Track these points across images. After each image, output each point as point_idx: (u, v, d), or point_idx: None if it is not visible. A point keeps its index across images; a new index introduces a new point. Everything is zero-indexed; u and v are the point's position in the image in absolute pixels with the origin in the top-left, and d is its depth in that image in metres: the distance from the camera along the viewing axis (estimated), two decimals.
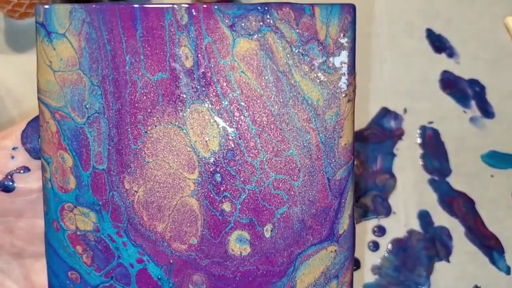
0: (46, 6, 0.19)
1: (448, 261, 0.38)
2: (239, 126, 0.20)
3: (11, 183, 0.20)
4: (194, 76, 0.20)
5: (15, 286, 0.21)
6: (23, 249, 0.22)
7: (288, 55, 0.20)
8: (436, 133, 0.43)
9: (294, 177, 0.21)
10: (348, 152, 0.21)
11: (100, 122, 0.19)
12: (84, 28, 0.19)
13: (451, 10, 0.46)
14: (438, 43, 0.44)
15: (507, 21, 0.46)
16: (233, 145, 0.20)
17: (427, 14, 0.46)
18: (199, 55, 0.20)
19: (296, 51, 0.20)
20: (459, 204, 0.40)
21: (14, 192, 0.20)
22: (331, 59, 0.20)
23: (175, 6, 0.19)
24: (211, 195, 0.20)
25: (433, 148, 0.42)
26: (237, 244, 0.21)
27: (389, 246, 0.38)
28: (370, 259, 0.38)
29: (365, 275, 0.40)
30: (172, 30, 0.19)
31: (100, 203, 0.20)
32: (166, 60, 0.20)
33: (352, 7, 0.20)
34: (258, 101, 0.20)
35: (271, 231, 0.21)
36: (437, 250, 0.39)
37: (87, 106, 0.19)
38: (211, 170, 0.20)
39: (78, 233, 0.20)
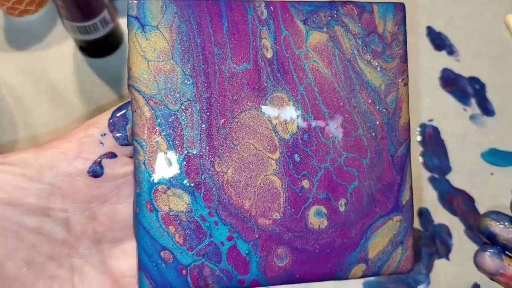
0: (140, 1, 0.21)
1: (448, 259, 0.38)
2: (314, 109, 0.22)
3: (99, 168, 0.21)
4: (274, 66, 0.22)
5: (94, 272, 0.22)
6: (104, 235, 0.22)
7: (353, 46, 0.23)
8: (436, 131, 0.43)
9: (363, 155, 0.23)
10: (406, 130, 0.23)
11: (192, 109, 0.21)
12: (175, 21, 0.21)
13: (452, 8, 0.47)
14: (438, 41, 0.45)
15: (508, 19, 0.46)
16: (309, 128, 0.22)
17: (427, 12, 0.47)
18: (278, 46, 0.22)
19: (360, 42, 0.23)
20: (459, 202, 0.40)
21: (101, 177, 0.21)
22: (389, 49, 0.23)
23: (256, 2, 0.22)
24: (292, 174, 0.22)
25: (433, 146, 0.42)
26: (315, 218, 0.22)
27: None
28: None
29: None
30: (254, 24, 0.22)
31: (193, 185, 0.21)
32: (249, 52, 0.22)
33: (403, 5, 0.23)
34: (329, 87, 0.22)
35: (345, 205, 0.23)
36: (436, 247, 0.39)
37: (179, 94, 0.21)
38: (291, 151, 0.22)
39: (171, 213, 0.21)
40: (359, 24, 0.23)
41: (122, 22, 0.45)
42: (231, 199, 0.22)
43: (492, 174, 0.41)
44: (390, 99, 0.23)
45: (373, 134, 0.23)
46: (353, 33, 0.23)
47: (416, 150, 0.42)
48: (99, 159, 0.21)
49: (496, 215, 0.23)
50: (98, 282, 0.22)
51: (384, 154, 0.23)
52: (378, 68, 0.23)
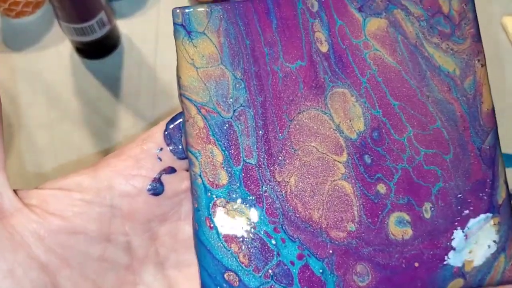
0: (185, 10, 0.20)
1: None
2: (382, 103, 0.20)
3: (159, 185, 0.19)
4: (331, 60, 0.20)
5: None
6: (166, 258, 0.21)
7: (418, 29, 0.20)
8: None
9: (445, 151, 0.20)
10: (491, 117, 0.20)
11: (246, 115, 0.19)
12: (222, 24, 0.20)
13: None
14: None
15: (504, 20, 0.45)
16: (378, 124, 0.20)
17: None
18: (333, 38, 0.20)
19: (425, 24, 0.20)
20: None
21: (162, 195, 0.20)
22: (458, 29, 0.20)
23: None
24: (364, 178, 0.19)
25: None
26: (397, 227, 0.19)
27: None
28: None
29: None
30: (305, 18, 0.20)
31: (254, 198, 0.19)
32: (302, 48, 0.20)
33: None
34: (396, 76, 0.20)
35: (431, 210, 0.20)
36: None
37: (231, 100, 0.19)
38: (360, 151, 0.20)
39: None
40: (421, 6, 0.20)
41: (119, 23, 0.45)
42: (297, 211, 0.19)
43: None
44: (468, 84, 0.20)
45: (453, 125, 0.20)
46: (415, 15, 0.20)
47: None
48: (158, 176, 0.19)
49: None
50: None
51: (469, 148, 0.20)
52: (450, 51, 0.20)
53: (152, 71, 0.44)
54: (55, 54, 0.45)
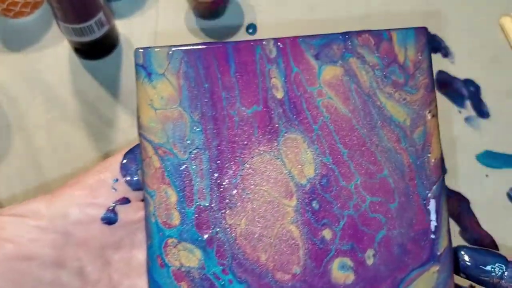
0: (147, 50, 0.20)
1: None
2: (332, 150, 0.20)
3: (113, 215, 0.20)
4: (285, 106, 0.20)
5: None
6: (119, 283, 0.21)
7: (372, 78, 0.21)
8: None
9: (390, 199, 0.21)
10: (438, 168, 0.21)
11: (201, 158, 0.20)
12: (182, 67, 0.20)
13: (447, 10, 0.47)
14: (433, 43, 0.45)
15: (502, 20, 0.46)
16: (327, 171, 0.20)
17: (422, 13, 0.47)
18: (289, 85, 0.20)
19: (379, 73, 0.21)
20: (454, 203, 0.40)
21: (116, 224, 0.20)
22: (412, 79, 0.21)
23: (264, 41, 0.21)
24: (311, 222, 0.20)
25: None
26: (340, 272, 0.20)
27: None
28: None
29: None
30: (263, 63, 0.20)
31: (205, 239, 0.20)
32: (259, 93, 0.20)
33: (425, 29, 0.22)
34: (347, 124, 0.21)
35: (373, 256, 0.20)
36: None
37: (188, 142, 0.20)
38: (309, 197, 0.20)
39: (183, 269, 0.20)
40: (377, 54, 0.21)
41: (118, 24, 0.45)
42: (245, 254, 0.20)
43: (487, 176, 0.41)
44: (417, 135, 0.21)
45: (400, 175, 0.21)
46: (370, 64, 0.21)
47: None
48: (112, 206, 0.20)
49: None
50: None
51: (414, 198, 0.21)
52: (402, 101, 0.21)
53: None
54: (54, 54, 0.44)
